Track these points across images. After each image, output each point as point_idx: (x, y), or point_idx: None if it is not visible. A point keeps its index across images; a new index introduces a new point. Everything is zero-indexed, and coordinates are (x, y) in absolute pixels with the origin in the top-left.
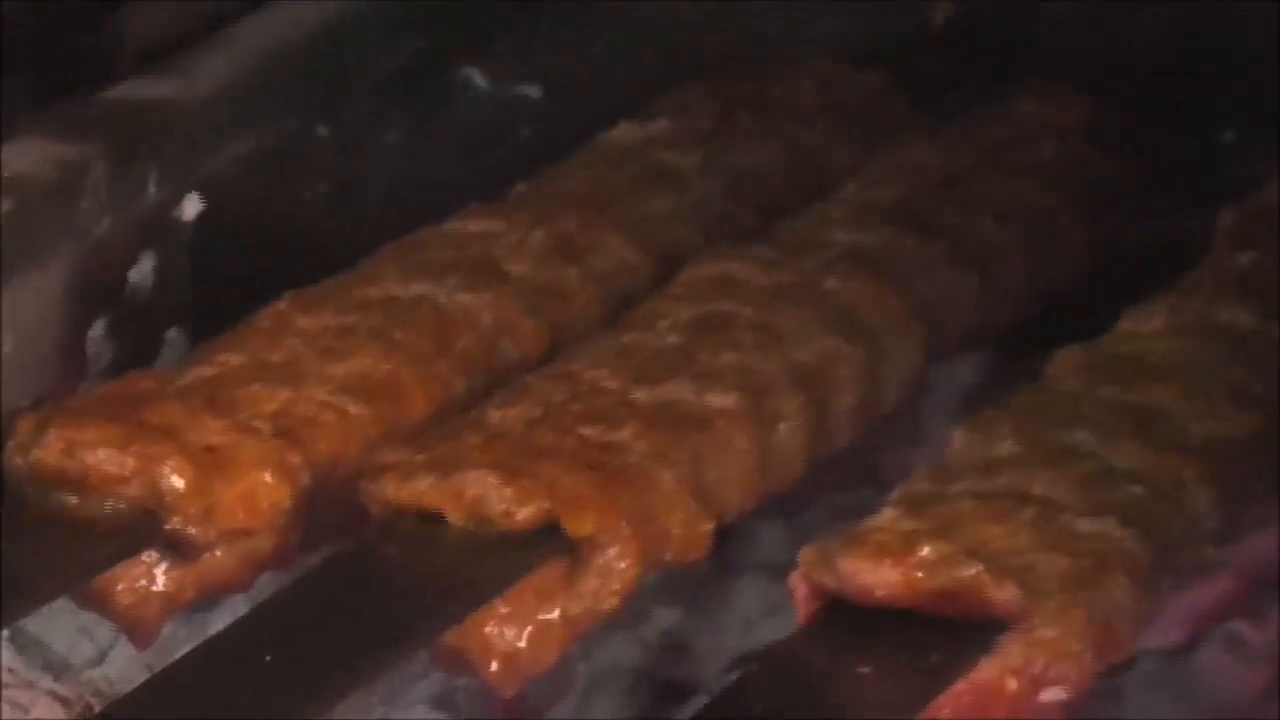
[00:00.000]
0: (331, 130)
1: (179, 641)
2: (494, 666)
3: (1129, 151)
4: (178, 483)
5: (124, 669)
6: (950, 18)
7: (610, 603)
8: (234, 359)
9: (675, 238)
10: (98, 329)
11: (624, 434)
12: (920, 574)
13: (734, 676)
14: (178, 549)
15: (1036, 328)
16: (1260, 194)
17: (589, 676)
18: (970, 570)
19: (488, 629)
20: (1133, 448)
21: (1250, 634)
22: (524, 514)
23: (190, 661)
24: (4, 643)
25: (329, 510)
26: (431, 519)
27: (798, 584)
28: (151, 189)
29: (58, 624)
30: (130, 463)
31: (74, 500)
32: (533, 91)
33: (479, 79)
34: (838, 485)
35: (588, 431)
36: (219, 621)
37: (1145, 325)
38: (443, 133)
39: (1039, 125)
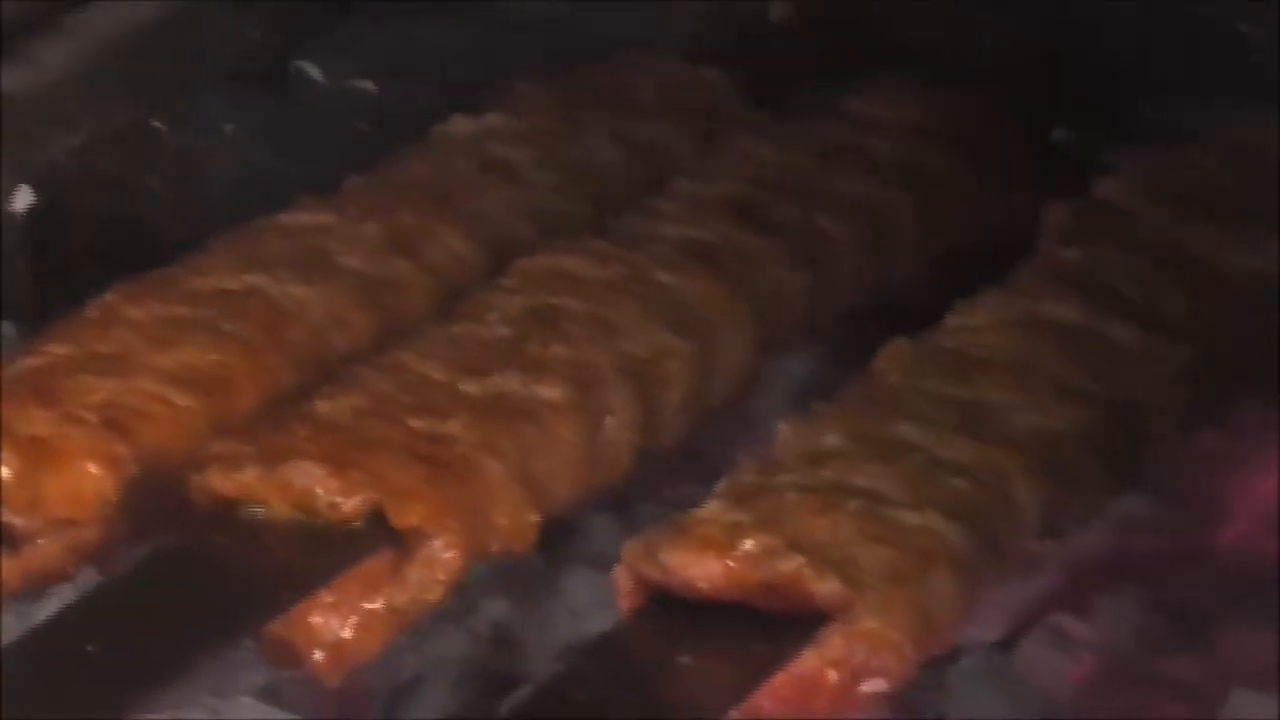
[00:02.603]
0: (168, 123)
1: (8, 631)
2: (319, 656)
3: (962, 149)
4: (3, 473)
5: None
6: (788, 16)
7: (436, 592)
8: (62, 350)
9: (508, 231)
10: None
11: (452, 425)
12: (743, 567)
13: (559, 668)
14: (2, 538)
15: (869, 322)
16: (1089, 192)
17: (417, 668)
18: (792, 563)
19: (313, 619)
20: (958, 441)
21: (1073, 627)
22: (350, 505)
23: (14, 650)
24: None
25: (156, 501)
26: (258, 510)
27: (622, 577)
28: None
29: None
30: None
31: None
32: (368, 85)
33: (314, 73)
34: (667, 478)
35: (415, 423)
36: (45, 610)
37: (972, 319)
38: (278, 126)
39: (874, 123)
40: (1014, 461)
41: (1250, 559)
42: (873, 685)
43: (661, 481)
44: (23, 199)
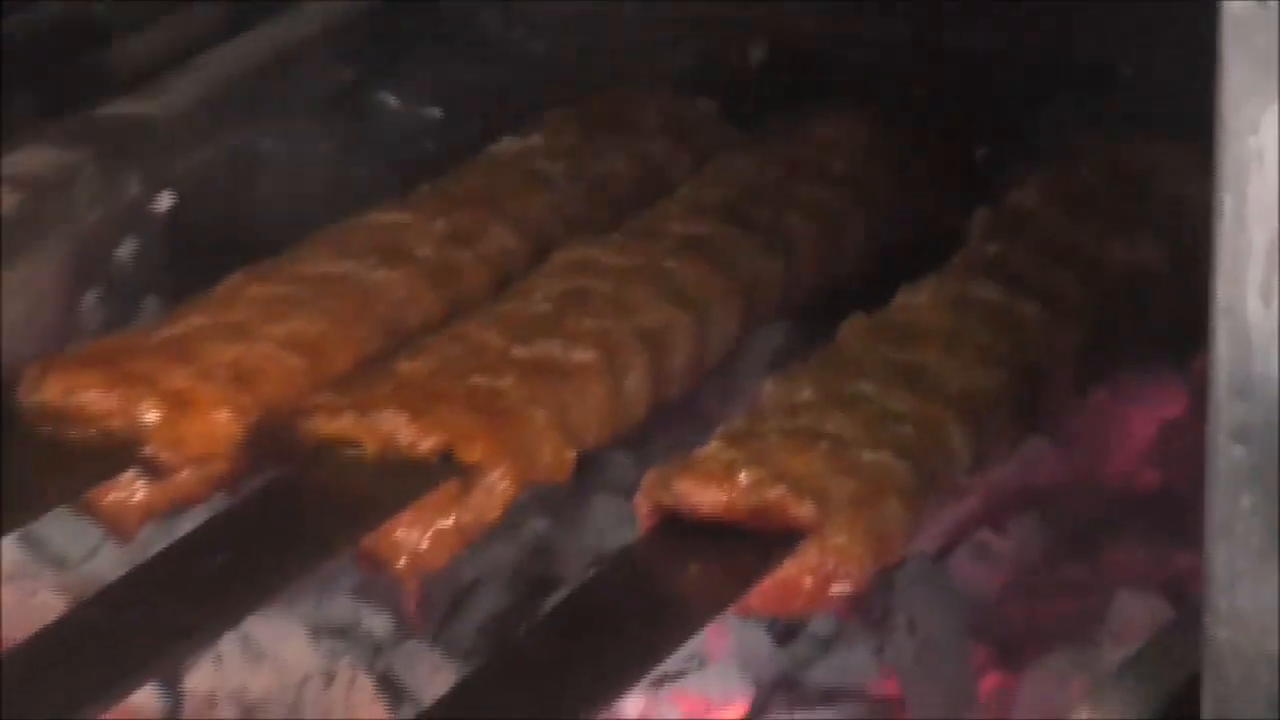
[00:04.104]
0: (276, 142)
1: (153, 543)
2: (401, 563)
3: (902, 165)
4: (152, 418)
5: (109, 564)
6: (764, 57)
7: (493, 514)
8: (198, 320)
9: (547, 228)
10: (90, 297)
11: (505, 382)
12: (737, 494)
13: (590, 574)
14: (152, 470)
15: (831, 302)
16: (1005, 199)
17: (476, 573)
18: (776, 491)
19: (397, 534)
20: (904, 396)
21: (992, 542)
22: (426, 445)
23: (162, 559)
24: (17, 542)
25: (272, 441)
26: (353, 449)
27: (641, 502)
28: (133, 187)
29: (58, 528)
30: (115, 402)
31: (71, 431)
32: (435, 113)
33: (392, 102)
34: (673, 424)
35: (477, 380)
36: (185, 527)
37: (915, 299)
38: (364, 144)
39: (832, 143)
40: (947, 412)
41: (1127, 487)
42: (839, 588)
43: (670, 427)
44: (164, 201)
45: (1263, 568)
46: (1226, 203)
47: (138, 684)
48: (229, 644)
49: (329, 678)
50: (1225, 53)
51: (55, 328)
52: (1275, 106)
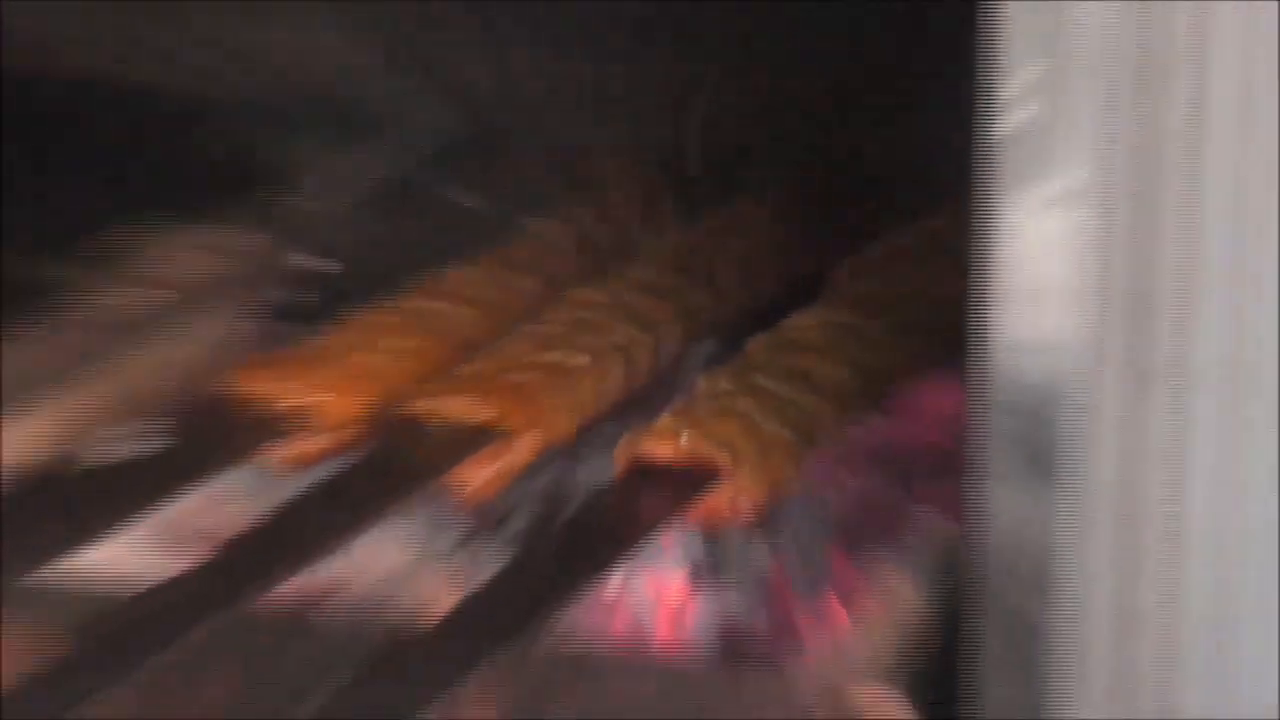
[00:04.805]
0: (385, 228)
1: (299, 486)
2: (465, 495)
3: (799, 230)
4: (307, 400)
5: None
6: (693, 154)
7: (523, 464)
8: (336, 339)
9: (559, 277)
10: (261, 327)
11: (533, 377)
12: (680, 450)
13: (584, 502)
14: (306, 435)
15: (744, 326)
16: (863, 251)
17: (512, 503)
18: (706, 447)
19: (462, 476)
20: (792, 388)
21: (850, 482)
22: (481, 418)
23: (308, 494)
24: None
25: (383, 416)
26: (434, 421)
27: (618, 455)
28: (292, 253)
29: (239, 476)
30: (282, 390)
31: (252, 410)
32: (484, 203)
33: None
34: (638, 406)
35: (514, 377)
36: (324, 473)
37: (801, 322)
38: (438, 228)
39: (750, 214)
40: (821, 400)
41: (938, 447)
42: (746, 512)
43: (636, 409)
44: (312, 263)
45: (1021, 500)
46: (1001, 253)
47: (289, 577)
48: (346, 553)
49: (415, 573)
50: (996, 152)
51: (237, 348)
52: (1032, 189)
